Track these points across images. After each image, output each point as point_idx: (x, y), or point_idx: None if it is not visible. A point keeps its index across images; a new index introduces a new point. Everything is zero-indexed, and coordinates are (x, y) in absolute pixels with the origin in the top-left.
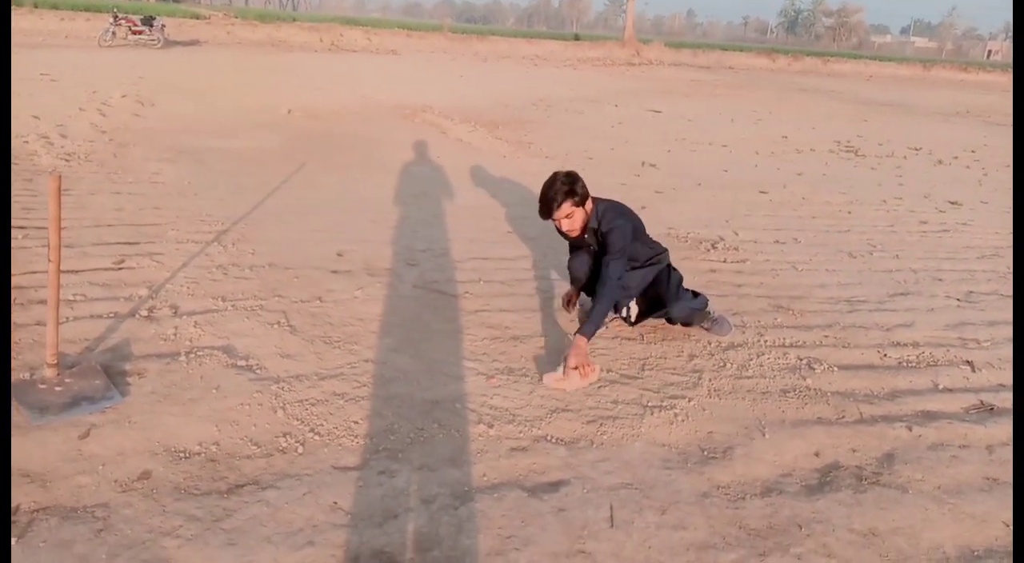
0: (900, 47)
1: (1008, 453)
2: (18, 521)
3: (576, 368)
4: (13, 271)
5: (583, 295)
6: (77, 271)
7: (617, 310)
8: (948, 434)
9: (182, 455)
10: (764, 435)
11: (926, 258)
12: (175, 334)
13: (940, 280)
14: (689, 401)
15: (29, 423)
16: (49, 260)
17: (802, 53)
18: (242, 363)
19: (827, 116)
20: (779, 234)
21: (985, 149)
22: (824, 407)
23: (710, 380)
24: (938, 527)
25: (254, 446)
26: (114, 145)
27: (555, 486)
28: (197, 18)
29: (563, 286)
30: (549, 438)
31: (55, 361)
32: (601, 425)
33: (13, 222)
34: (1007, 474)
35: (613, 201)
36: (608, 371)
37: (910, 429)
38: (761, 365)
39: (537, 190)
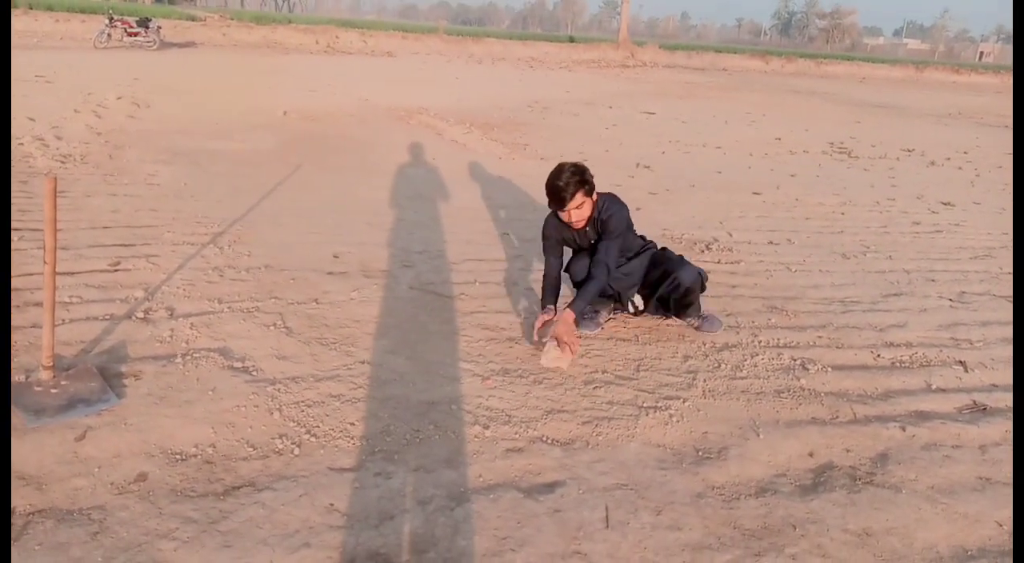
0: (893, 49)
1: (1001, 453)
2: (14, 524)
3: (566, 343)
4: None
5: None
6: (73, 273)
7: (622, 306)
8: (941, 434)
9: (178, 457)
10: (758, 435)
11: (919, 259)
12: (171, 336)
13: (933, 281)
14: (684, 402)
15: (25, 425)
16: (45, 262)
17: (795, 55)
18: (238, 365)
19: (820, 118)
20: (773, 235)
21: (977, 150)
22: (818, 407)
23: (704, 381)
24: (932, 527)
25: (250, 448)
26: (110, 147)
27: (551, 487)
28: (192, 20)
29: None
30: (545, 439)
31: (51, 363)
32: (596, 426)
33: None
34: (1000, 474)
35: (609, 193)
36: (603, 372)
37: (903, 429)
38: (755, 366)
39: (533, 192)
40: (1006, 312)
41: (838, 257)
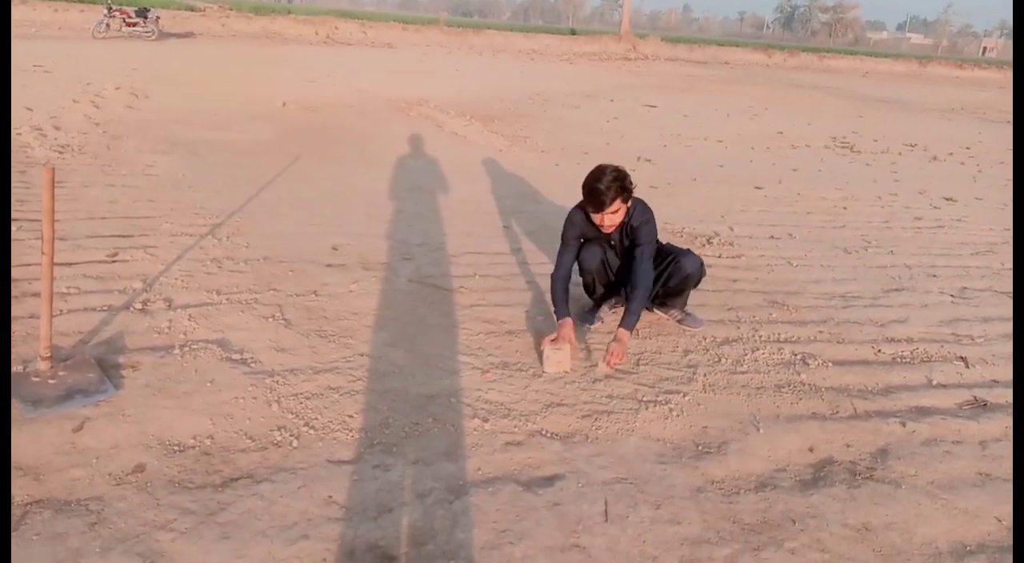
0: (896, 43)
1: (1002, 449)
2: (12, 514)
3: (617, 362)
4: None
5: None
6: (71, 264)
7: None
8: (941, 430)
9: (176, 448)
10: (758, 430)
11: (920, 254)
12: (169, 327)
13: (934, 276)
14: (684, 396)
15: (23, 416)
16: (42, 253)
17: (798, 49)
18: (237, 357)
19: (823, 112)
20: (774, 230)
21: (980, 145)
22: (818, 402)
23: (705, 375)
24: (931, 522)
25: (248, 440)
26: (108, 137)
27: (550, 480)
28: (192, 10)
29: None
30: (544, 432)
31: (49, 354)
32: (596, 420)
33: None
34: (1000, 470)
35: (639, 199)
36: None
37: (904, 425)
38: (756, 360)
39: (534, 185)
40: (1007, 308)
41: (839, 252)
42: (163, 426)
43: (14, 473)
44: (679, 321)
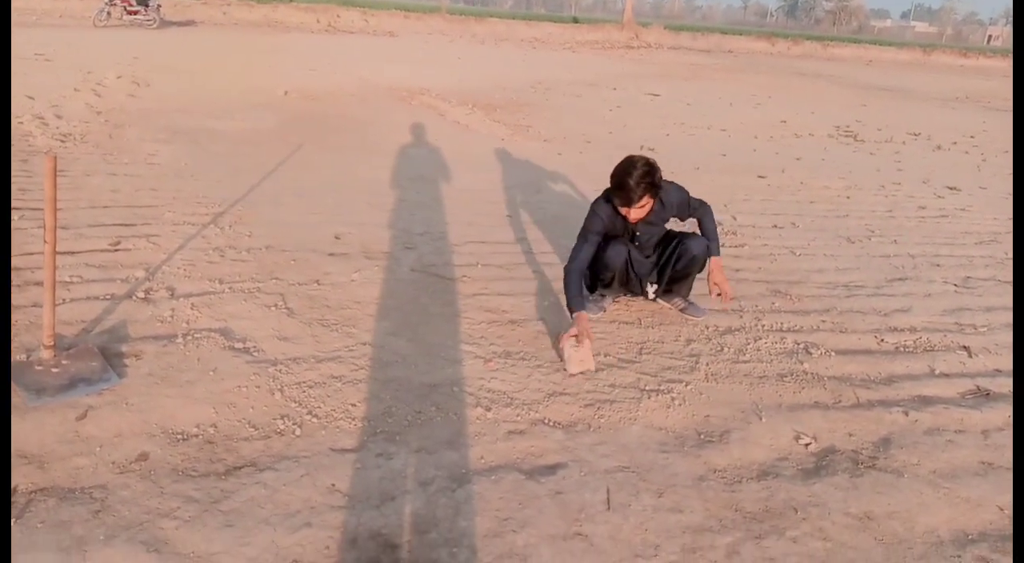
0: (900, 31)
1: (1004, 438)
2: (16, 502)
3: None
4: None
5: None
6: (73, 252)
7: (640, 292)
8: (944, 419)
9: (179, 437)
10: (761, 419)
11: (924, 243)
12: (172, 316)
13: (938, 265)
14: (686, 385)
15: (26, 405)
16: (45, 241)
17: (802, 37)
18: (239, 345)
19: (826, 101)
20: (777, 219)
21: (984, 134)
22: (821, 391)
23: (707, 364)
24: (933, 511)
25: (252, 428)
26: (109, 126)
27: (552, 469)
28: None
29: (557, 270)
30: (547, 421)
31: (52, 343)
32: (599, 409)
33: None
34: (1002, 459)
35: (669, 182)
36: (606, 355)
37: (906, 414)
38: (758, 349)
39: (536, 173)
40: (1011, 297)
41: (843, 241)
42: (166, 415)
43: (18, 461)
44: (681, 310)
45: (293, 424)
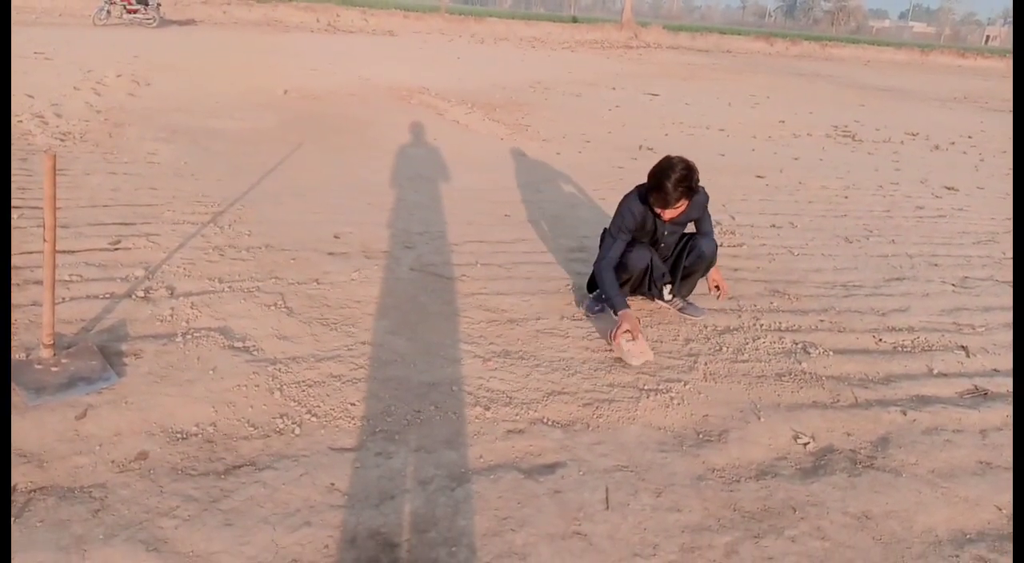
0: (898, 32)
1: (1002, 437)
2: (15, 501)
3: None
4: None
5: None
6: (73, 251)
7: (655, 296)
8: (942, 419)
9: (179, 436)
10: (759, 418)
11: (922, 243)
12: (172, 315)
13: (936, 265)
14: (685, 384)
15: (26, 404)
16: (44, 240)
17: (800, 37)
18: (239, 344)
19: (824, 101)
20: (776, 218)
21: (982, 135)
22: (819, 391)
23: (706, 364)
24: (931, 511)
25: (251, 427)
26: (109, 125)
27: (551, 468)
28: None
29: (557, 270)
30: (545, 421)
31: (51, 342)
32: (597, 408)
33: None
34: (1000, 458)
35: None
36: (605, 354)
37: (904, 413)
38: (757, 349)
39: (535, 173)
40: (1009, 297)
41: (841, 241)
42: (166, 413)
43: (18, 460)
44: (680, 310)
45: (292, 423)
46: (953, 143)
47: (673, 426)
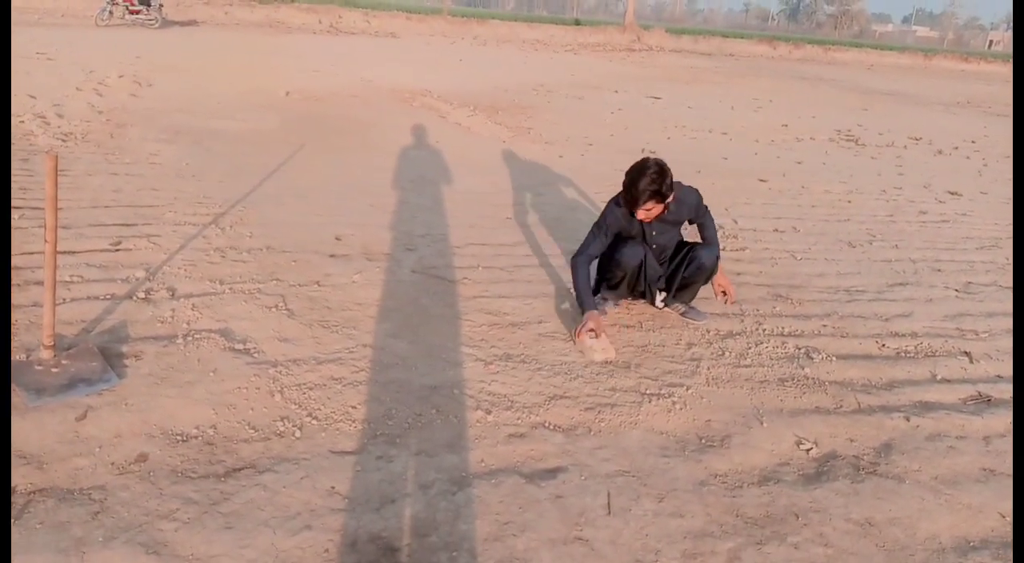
0: (902, 36)
1: (1006, 444)
2: (15, 503)
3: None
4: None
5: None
6: (74, 252)
7: (649, 300)
8: (946, 425)
9: (179, 438)
10: (762, 424)
11: (925, 248)
12: (172, 317)
13: (939, 270)
14: (687, 389)
15: (26, 405)
16: (45, 241)
17: (803, 41)
18: (240, 346)
19: (827, 105)
20: (778, 223)
21: (985, 140)
22: (822, 396)
23: (708, 368)
24: (935, 517)
25: (251, 430)
26: (111, 125)
27: (553, 473)
28: None
29: (558, 273)
30: (547, 425)
31: (52, 343)
32: (599, 412)
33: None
34: (1004, 465)
35: (688, 186)
36: (606, 359)
37: (908, 419)
38: (759, 354)
39: (537, 176)
40: (1012, 303)
41: (844, 245)
42: (166, 415)
43: (17, 462)
44: (682, 314)
45: (293, 426)
46: (956, 148)
47: (675, 431)
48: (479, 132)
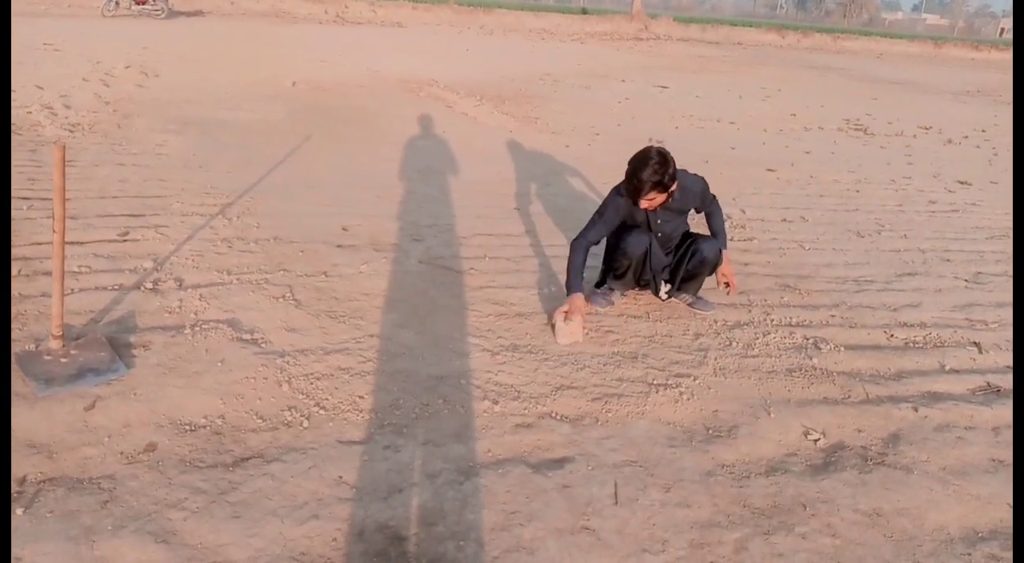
0: (911, 24)
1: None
2: (25, 492)
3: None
4: (18, 242)
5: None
6: (82, 243)
7: (653, 290)
8: (954, 415)
9: (187, 428)
10: (769, 414)
11: (934, 238)
12: (180, 307)
13: (948, 260)
14: (694, 379)
15: (35, 394)
16: (54, 231)
17: (812, 29)
18: (247, 336)
19: (836, 94)
20: (786, 212)
21: (996, 129)
22: (830, 387)
23: (716, 359)
24: (943, 508)
25: (259, 419)
26: (118, 116)
27: (560, 463)
28: None
29: (565, 263)
30: (554, 415)
31: (60, 333)
32: (606, 402)
33: (18, 193)
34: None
35: (692, 174)
36: (614, 349)
37: (916, 410)
38: (767, 344)
39: (544, 166)
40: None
41: (852, 235)
42: (174, 405)
43: (27, 451)
44: (690, 305)
45: (301, 416)
46: (966, 137)
47: (682, 421)
48: (485, 122)
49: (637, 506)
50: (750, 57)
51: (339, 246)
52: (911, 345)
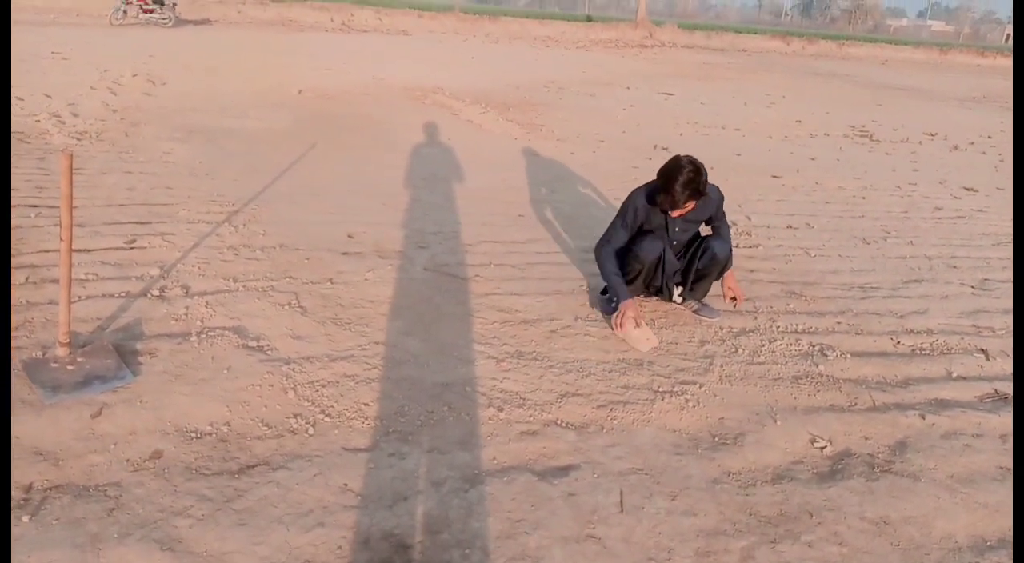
0: (916, 30)
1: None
2: (31, 499)
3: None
4: (26, 249)
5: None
6: (89, 250)
7: (665, 296)
8: (961, 423)
9: (193, 435)
10: (775, 422)
11: (941, 245)
12: (186, 314)
13: (955, 267)
14: (700, 387)
15: (42, 402)
16: (61, 239)
17: (817, 36)
18: (253, 344)
19: (841, 100)
20: (792, 219)
21: (1002, 135)
22: (836, 394)
23: (721, 366)
24: (950, 516)
25: (265, 427)
26: (125, 124)
27: (565, 470)
28: None
29: (571, 270)
30: (559, 422)
31: (67, 340)
32: (611, 410)
33: (26, 200)
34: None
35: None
36: (619, 356)
37: (923, 417)
38: (773, 351)
39: (549, 173)
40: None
41: (858, 242)
42: (180, 413)
43: (34, 458)
44: (695, 312)
45: (306, 423)
46: (972, 143)
47: (688, 429)
48: (491, 129)
49: (643, 514)
50: (755, 64)
51: (344, 253)
52: (918, 352)
